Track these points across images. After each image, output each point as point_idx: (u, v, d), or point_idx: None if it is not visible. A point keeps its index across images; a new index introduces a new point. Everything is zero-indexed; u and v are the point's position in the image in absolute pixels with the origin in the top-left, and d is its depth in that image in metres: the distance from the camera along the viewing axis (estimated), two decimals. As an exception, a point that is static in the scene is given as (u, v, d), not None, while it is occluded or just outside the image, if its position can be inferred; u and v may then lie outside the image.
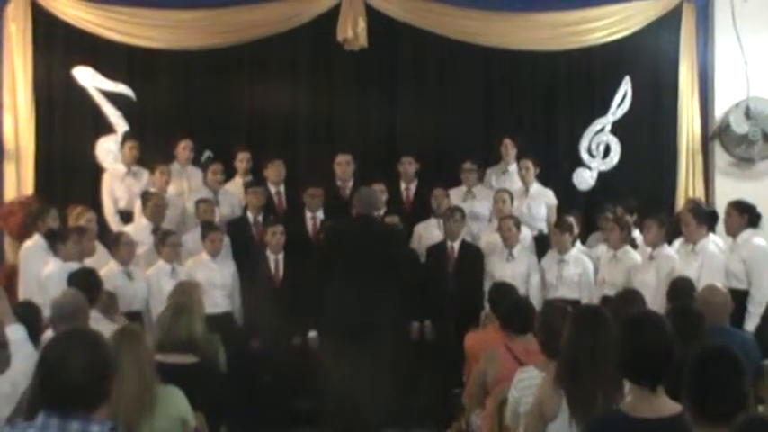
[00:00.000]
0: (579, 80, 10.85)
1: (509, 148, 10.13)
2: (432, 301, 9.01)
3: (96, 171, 10.15)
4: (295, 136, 10.84)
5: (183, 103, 10.70)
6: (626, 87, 10.57)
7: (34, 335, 6.13)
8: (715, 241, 8.53)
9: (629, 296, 6.32)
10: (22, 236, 8.99)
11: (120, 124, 10.30)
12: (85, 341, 3.02)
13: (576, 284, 8.90)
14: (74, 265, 7.71)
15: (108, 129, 10.32)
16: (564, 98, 10.87)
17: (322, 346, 8.79)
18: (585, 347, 4.34)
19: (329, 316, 7.89)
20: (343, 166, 9.92)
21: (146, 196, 9.28)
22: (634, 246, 8.86)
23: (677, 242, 8.73)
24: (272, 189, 9.86)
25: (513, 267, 9.02)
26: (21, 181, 10.25)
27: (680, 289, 6.70)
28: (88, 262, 8.05)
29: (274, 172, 9.86)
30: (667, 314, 5.47)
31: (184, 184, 10.00)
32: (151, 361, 4.72)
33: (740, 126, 10.17)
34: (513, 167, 10.14)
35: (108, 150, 10.20)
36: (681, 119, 10.60)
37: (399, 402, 8.03)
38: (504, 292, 7.12)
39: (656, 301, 7.48)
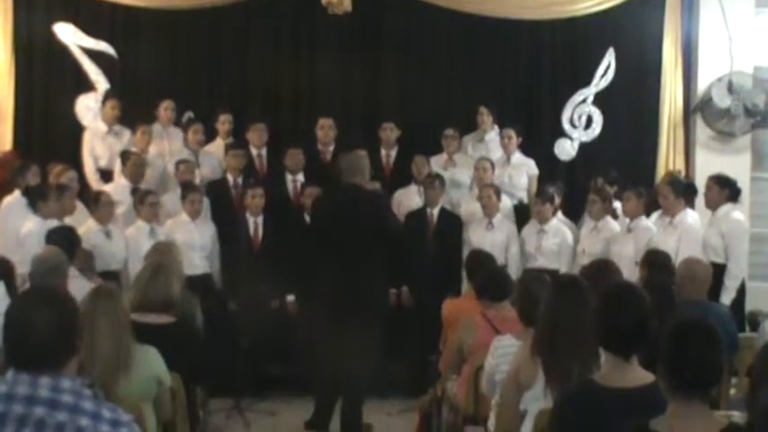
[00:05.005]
0: (563, 50, 10.81)
1: (485, 116, 10.10)
2: (410, 268, 9.02)
3: (76, 129, 10.05)
4: (277, 99, 10.78)
5: (166, 63, 10.61)
6: (610, 59, 10.54)
7: (9, 291, 6.14)
8: (692, 215, 8.57)
9: (597, 266, 6.25)
10: (1, 192, 8.91)
11: (100, 82, 10.20)
12: (47, 298, 2.99)
13: (556, 255, 8.95)
14: (53, 223, 7.69)
15: (89, 86, 10.23)
16: (547, 68, 10.84)
17: (301, 310, 8.83)
18: (563, 317, 4.35)
19: (318, 284, 7.85)
20: (326, 129, 9.87)
21: (125, 156, 9.24)
22: (615, 217, 8.91)
23: (655, 215, 8.78)
24: (254, 152, 9.82)
25: (492, 236, 9.03)
26: (-1, 137, 10.19)
27: (654, 260, 6.71)
28: (67, 220, 8.02)
29: (256, 135, 9.81)
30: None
31: (165, 145, 9.95)
32: (127, 320, 4.70)
33: (722, 100, 10.18)
34: (489, 136, 10.12)
35: (88, 108, 10.11)
36: (663, 91, 10.60)
37: (377, 369, 8.05)
38: (480, 260, 7.12)
39: (632, 272, 7.50)
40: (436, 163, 9.81)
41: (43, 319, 2.88)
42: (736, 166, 9.89)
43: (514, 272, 8.35)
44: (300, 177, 9.53)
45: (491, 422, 5.17)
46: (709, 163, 10.07)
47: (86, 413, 2.85)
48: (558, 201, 9.22)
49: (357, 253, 7.60)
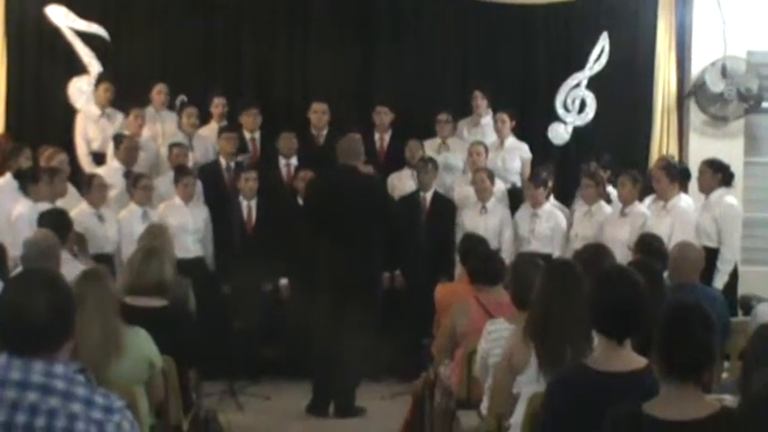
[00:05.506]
0: (557, 34, 10.81)
1: (479, 100, 10.08)
2: (403, 252, 9.02)
3: (69, 112, 10.01)
4: (271, 83, 10.76)
5: (159, 46, 10.58)
6: (603, 43, 10.50)
7: (2, 274, 6.11)
8: (685, 199, 8.58)
9: (591, 250, 6.21)
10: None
11: (93, 64, 10.13)
12: (43, 281, 2.96)
13: (549, 239, 8.96)
14: (45, 206, 7.66)
15: (81, 69, 10.16)
16: (541, 52, 10.83)
17: (294, 294, 8.84)
18: (556, 301, 4.35)
19: (314, 267, 7.86)
20: (319, 114, 9.84)
21: (118, 139, 9.22)
22: (608, 201, 8.91)
23: (648, 199, 8.78)
24: (247, 136, 9.79)
25: (485, 220, 9.03)
26: (-9, 120, 10.14)
27: (647, 245, 6.71)
28: (59, 203, 7.99)
29: (250, 120, 9.79)
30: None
31: (158, 128, 9.94)
32: (116, 303, 4.70)
33: (716, 85, 10.18)
34: (484, 120, 10.11)
35: (81, 91, 10.05)
36: (657, 76, 10.59)
37: (371, 353, 8.06)
38: (473, 244, 7.12)
39: (626, 256, 7.49)
40: (430, 147, 9.80)
41: (40, 302, 2.85)
42: (730, 150, 9.91)
43: (508, 256, 8.34)
44: (294, 161, 9.52)
45: (484, 405, 5.18)
46: (702, 147, 10.09)
47: (79, 399, 2.83)
48: (550, 184, 9.22)
49: (354, 235, 7.61)
